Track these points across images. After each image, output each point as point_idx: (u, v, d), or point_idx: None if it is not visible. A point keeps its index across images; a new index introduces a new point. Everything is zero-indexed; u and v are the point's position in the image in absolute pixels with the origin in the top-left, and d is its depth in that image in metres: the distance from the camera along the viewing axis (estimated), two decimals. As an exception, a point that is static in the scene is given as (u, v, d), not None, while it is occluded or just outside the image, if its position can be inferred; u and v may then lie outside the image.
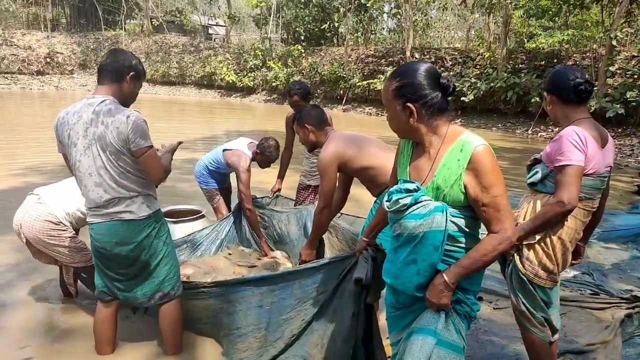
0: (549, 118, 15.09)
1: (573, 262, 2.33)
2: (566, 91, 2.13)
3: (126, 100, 2.41)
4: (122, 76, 2.35)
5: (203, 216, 4.32)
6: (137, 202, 2.32)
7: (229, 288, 2.67)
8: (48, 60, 31.51)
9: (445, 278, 1.54)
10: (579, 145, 1.97)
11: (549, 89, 2.21)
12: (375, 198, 2.86)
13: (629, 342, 2.89)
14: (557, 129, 14.51)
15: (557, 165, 2.01)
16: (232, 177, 4.47)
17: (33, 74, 30.60)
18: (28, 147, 9.35)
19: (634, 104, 12.76)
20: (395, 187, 1.64)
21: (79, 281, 3.22)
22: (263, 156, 4.02)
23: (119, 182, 2.27)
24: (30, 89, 28.79)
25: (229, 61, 28.75)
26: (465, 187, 1.53)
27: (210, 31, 36.88)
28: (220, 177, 4.27)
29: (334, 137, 2.82)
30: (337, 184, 2.79)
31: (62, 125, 2.30)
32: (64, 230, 2.84)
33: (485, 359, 2.66)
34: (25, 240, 2.87)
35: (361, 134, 2.95)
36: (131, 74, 2.38)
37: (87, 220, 2.38)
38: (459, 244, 1.59)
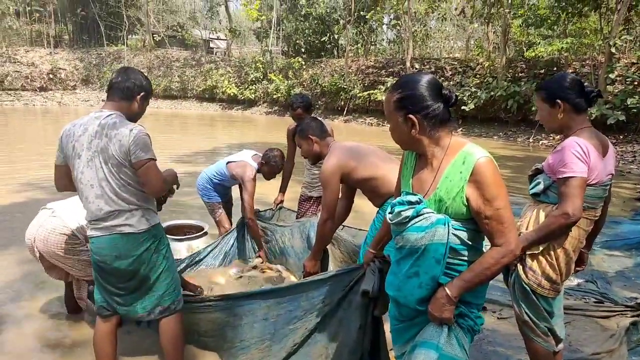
0: (549, 126, 15.09)
1: (577, 269, 2.33)
2: (580, 100, 2.09)
3: (134, 117, 2.44)
4: (132, 95, 2.38)
5: (206, 233, 4.32)
6: (136, 215, 2.33)
7: (236, 301, 2.68)
8: (51, 76, 31.80)
9: (448, 292, 1.54)
10: (582, 156, 1.97)
11: (564, 96, 2.10)
12: (378, 209, 2.88)
13: (635, 351, 2.87)
14: (558, 136, 14.53)
15: (560, 177, 2.01)
16: (234, 190, 4.49)
17: (36, 90, 30.86)
18: (31, 161, 9.40)
19: (635, 110, 12.80)
20: (397, 199, 1.64)
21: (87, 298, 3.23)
22: (269, 166, 4.05)
23: (120, 194, 2.28)
24: (34, 105, 29.00)
25: (230, 74, 28.95)
26: (467, 200, 1.52)
27: (211, 45, 37.16)
28: (223, 190, 4.29)
29: (336, 148, 2.83)
30: (340, 195, 2.80)
31: (67, 137, 2.33)
32: (77, 243, 2.85)
33: (490, 370, 2.65)
34: (39, 254, 2.89)
35: (362, 144, 2.96)
36: (142, 94, 2.41)
37: (87, 234, 2.39)
38: (462, 257, 1.58)
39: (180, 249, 4.04)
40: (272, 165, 4.03)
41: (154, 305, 2.46)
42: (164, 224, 3.63)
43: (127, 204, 2.31)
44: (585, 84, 2.14)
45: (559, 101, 2.10)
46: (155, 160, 2.31)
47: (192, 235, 4.24)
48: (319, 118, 3.18)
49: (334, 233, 3.07)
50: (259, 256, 4.03)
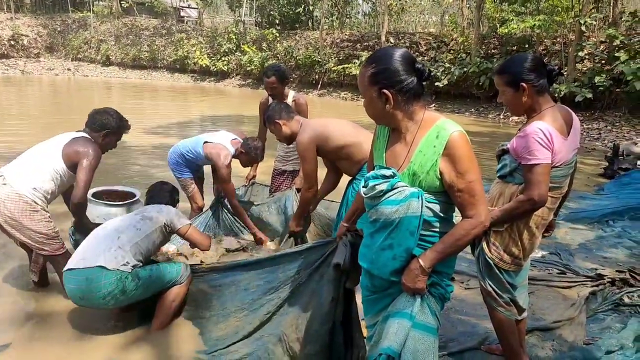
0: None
1: (545, 234, 2.39)
2: (544, 80, 2.07)
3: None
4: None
5: (138, 201, 3.85)
6: None
7: (223, 272, 2.77)
8: (12, 42, 30.38)
9: (421, 263, 1.57)
10: (545, 142, 1.97)
11: (529, 78, 2.03)
12: (349, 181, 2.94)
13: (593, 319, 3.02)
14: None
15: (524, 163, 2.02)
16: (207, 166, 4.41)
17: (-4, 57, 29.49)
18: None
19: (602, 88, 13.12)
20: (371, 173, 1.66)
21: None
22: (247, 156, 3.87)
23: None
24: (-5, 72, 27.76)
25: (202, 45, 28.24)
26: (440, 173, 1.55)
27: (182, 13, 36.04)
28: (195, 166, 4.15)
29: (307, 123, 3.01)
30: (318, 167, 2.98)
31: None
32: (32, 210, 2.79)
33: (456, 338, 2.75)
34: None
35: (332, 118, 3.12)
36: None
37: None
38: (434, 229, 1.62)
39: (106, 212, 3.70)
40: (252, 156, 3.86)
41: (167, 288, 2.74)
42: (96, 189, 3.59)
43: None
44: (546, 60, 2.13)
45: (523, 84, 2.04)
46: None
47: (121, 203, 3.77)
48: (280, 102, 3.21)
49: (316, 200, 3.31)
50: (260, 240, 3.93)
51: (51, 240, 2.86)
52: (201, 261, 3.45)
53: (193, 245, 2.97)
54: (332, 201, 4.19)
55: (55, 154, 2.88)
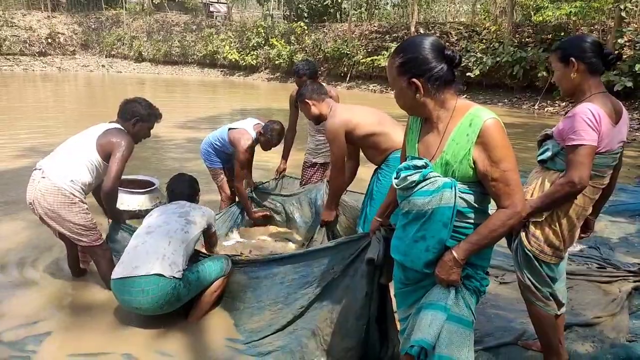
0: (556, 92, 14.69)
1: (582, 235, 2.32)
2: (597, 60, 2.01)
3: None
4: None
5: (157, 189, 4.47)
6: None
7: (262, 265, 2.80)
8: (50, 40, 31.37)
9: (455, 254, 1.53)
10: (593, 124, 1.91)
11: (580, 55, 2.00)
12: (374, 171, 3.01)
13: (636, 315, 2.90)
14: (564, 103, 14.37)
15: (569, 144, 1.95)
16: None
17: (35, 55, 30.49)
18: (31, 128, 9.37)
19: (643, 76, 12.59)
20: (403, 164, 1.63)
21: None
22: (265, 138, 3.93)
23: None
24: (33, 70, 28.70)
25: (231, 39, 28.47)
26: (474, 162, 1.50)
27: (211, 9, 36.41)
28: (225, 156, 4.25)
29: (337, 107, 3.05)
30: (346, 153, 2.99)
31: None
32: (70, 202, 2.86)
33: (492, 332, 2.69)
34: (39, 216, 2.91)
35: (359, 106, 3.16)
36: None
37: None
38: (468, 220, 1.57)
39: (131, 202, 4.21)
40: (268, 138, 3.90)
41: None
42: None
43: None
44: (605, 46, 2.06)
45: (572, 59, 2.01)
46: None
47: (142, 190, 4.35)
48: (317, 82, 3.25)
49: (345, 186, 3.30)
50: (264, 216, 4.14)
51: (89, 231, 2.93)
52: (241, 252, 3.50)
53: (210, 245, 3.08)
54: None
55: (89, 145, 2.95)
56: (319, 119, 3.15)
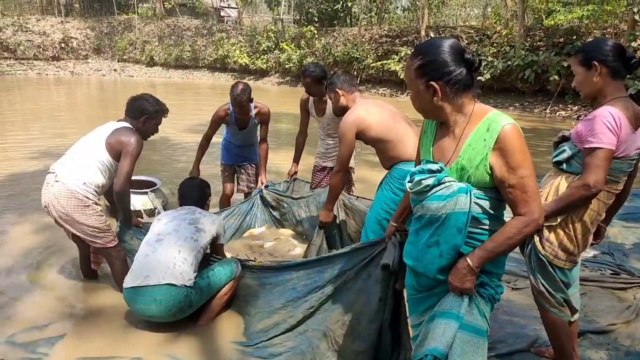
0: (568, 96, 14.52)
1: (593, 242, 2.29)
2: (619, 64, 1.99)
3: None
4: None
5: (159, 189, 4.66)
6: None
7: (275, 271, 2.80)
8: (63, 45, 31.67)
9: (469, 262, 1.51)
10: (613, 127, 1.89)
11: (602, 59, 1.99)
12: (383, 178, 2.95)
13: (651, 323, 2.85)
14: (576, 107, 14.24)
15: (587, 146, 1.93)
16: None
17: (48, 59, 30.80)
18: (46, 131, 9.47)
19: (657, 80, 12.44)
20: (417, 167, 1.61)
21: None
22: (231, 97, 4.09)
23: None
24: (47, 74, 29.00)
25: (242, 44, 28.57)
26: (491, 168, 1.48)
27: (222, 13, 36.59)
28: (234, 148, 4.41)
29: (360, 103, 2.99)
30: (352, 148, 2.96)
31: None
32: (84, 205, 2.88)
33: (504, 339, 2.66)
34: (54, 219, 2.93)
35: (388, 105, 3.04)
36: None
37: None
38: (483, 226, 1.55)
39: (135, 202, 4.24)
40: (234, 97, 4.04)
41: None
42: None
43: None
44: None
45: (595, 63, 2.00)
46: None
47: (144, 190, 4.50)
48: (349, 72, 3.26)
49: (344, 185, 3.23)
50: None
51: (103, 233, 2.95)
52: (255, 258, 3.50)
53: (216, 252, 3.08)
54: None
55: (99, 145, 2.96)
56: (344, 111, 3.10)
